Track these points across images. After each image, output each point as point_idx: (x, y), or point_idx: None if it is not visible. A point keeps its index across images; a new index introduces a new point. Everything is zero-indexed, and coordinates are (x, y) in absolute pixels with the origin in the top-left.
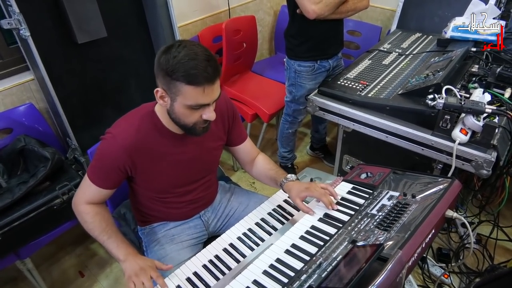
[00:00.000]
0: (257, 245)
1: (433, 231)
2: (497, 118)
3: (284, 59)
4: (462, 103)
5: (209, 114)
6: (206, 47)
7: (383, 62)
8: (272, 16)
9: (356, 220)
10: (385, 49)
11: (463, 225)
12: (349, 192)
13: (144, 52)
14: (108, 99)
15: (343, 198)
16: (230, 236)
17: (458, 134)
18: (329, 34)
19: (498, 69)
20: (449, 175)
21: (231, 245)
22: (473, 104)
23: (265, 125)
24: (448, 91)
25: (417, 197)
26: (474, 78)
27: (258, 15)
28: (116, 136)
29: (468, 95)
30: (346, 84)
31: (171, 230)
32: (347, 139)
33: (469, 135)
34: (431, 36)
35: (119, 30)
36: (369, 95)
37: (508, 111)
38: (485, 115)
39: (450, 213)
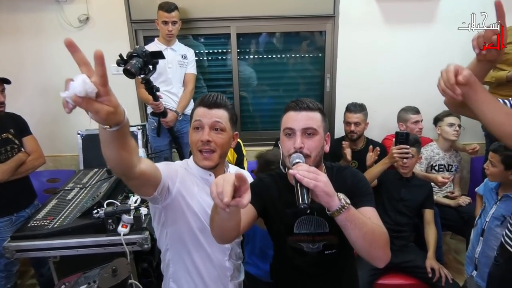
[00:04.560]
0: None
1: None
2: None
3: None
4: (115, 209)
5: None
6: None
7: (67, 198)
8: None
9: None
10: (69, 187)
11: None
12: None
13: None
14: None
15: None
16: None
17: (120, 229)
18: (18, 190)
19: None
20: (128, 258)
21: None
22: (122, 207)
23: None
24: (109, 204)
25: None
26: None
27: None
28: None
29: (126, 202)
30: (35, 224)
31: None
32: (59, 267)
33: (129, 227)
34: (105, 168)
35: None
36: (55, 225)
37: None
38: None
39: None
